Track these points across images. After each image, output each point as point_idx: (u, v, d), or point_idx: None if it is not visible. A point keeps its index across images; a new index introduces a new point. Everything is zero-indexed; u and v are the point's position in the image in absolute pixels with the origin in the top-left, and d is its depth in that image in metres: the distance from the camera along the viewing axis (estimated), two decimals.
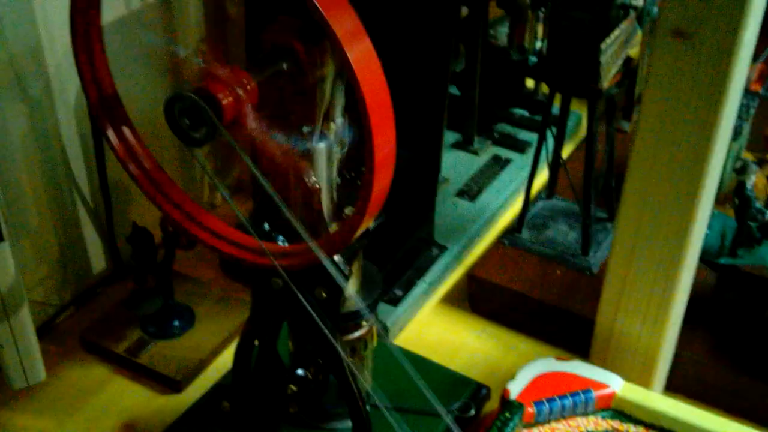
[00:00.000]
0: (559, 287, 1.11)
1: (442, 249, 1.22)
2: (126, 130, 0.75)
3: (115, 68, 0.74)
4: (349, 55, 0.61)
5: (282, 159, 0.73)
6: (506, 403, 0.92)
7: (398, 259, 1.17)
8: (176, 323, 1.10)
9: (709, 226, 1.03)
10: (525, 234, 1.19)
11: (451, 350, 1.11)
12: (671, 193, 0.86)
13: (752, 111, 1.14)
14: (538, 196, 1.25)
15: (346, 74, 0.64)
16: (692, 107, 0.81)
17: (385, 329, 1.11)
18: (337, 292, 0.79)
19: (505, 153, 1.41)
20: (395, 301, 1.13)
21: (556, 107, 1.13)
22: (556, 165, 1.21)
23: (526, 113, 1.46)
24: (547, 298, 1.10)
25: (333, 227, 0.79)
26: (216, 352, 1.09)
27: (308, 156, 0.76)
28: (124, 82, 0.79)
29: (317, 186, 0.77)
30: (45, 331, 1.11)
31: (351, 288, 0.85)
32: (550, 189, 1.24)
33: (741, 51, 0.77)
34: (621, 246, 0.93)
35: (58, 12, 0.99)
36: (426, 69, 1.10)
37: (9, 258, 0.80)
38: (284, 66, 0.71)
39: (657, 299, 0.92)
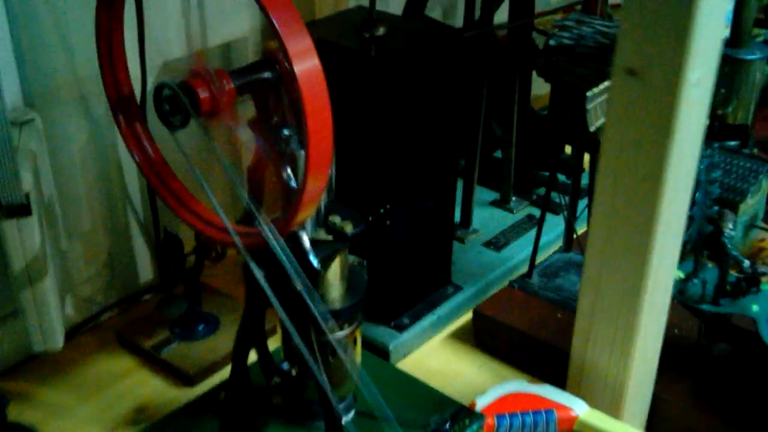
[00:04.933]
0: (557, 328, 1.16)
1: (458, 289, 1.29)
2: (137, 125, 0.89)
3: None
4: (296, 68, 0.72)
5: (262, 155, 0.85)
6: (469, 412, 0.97)
7: (410, 291, 1.25)
8: (200, 328, 1.21)
9: (696, 275, 1.07)
10: (535, 280, 1.25)
11: (448, 379, 1.17)
12: (630, 224, 0.92)
13: (761, 178, 1.18)
14: (559, 249, 1.32)
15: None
16: (645, 140, 0.87)
17: (386, 351, 1.18)
18: (310, 286, 0.88)
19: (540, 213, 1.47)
20: (401, 328, 1.21)
21: None
22: (571, 219, 1.27)
23: (565, 178, 1.53)
24: (542, 337, 1.15)
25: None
26: (229, 358, 1.19)
27: (288, 155, 0.86)
28: None
29: (293, 185, 0.87)
30: (87, 324, 1.24)
31: (327, 281, 0.93)
32: (567, 242, 1.30)
33: (687, 90, 0.84)
34: (589, 278, 0.98)
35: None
36: (442, 138, 1.21)
37: (36, 230, 0.94)
38: (268, 75, 0.83)
39: (622, 331, 0.97)
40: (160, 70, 1.20)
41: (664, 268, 0.95)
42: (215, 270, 1.30)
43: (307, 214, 0.82)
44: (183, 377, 1.16)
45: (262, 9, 0.71)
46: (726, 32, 1.25)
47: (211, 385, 1.15)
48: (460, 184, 1.38)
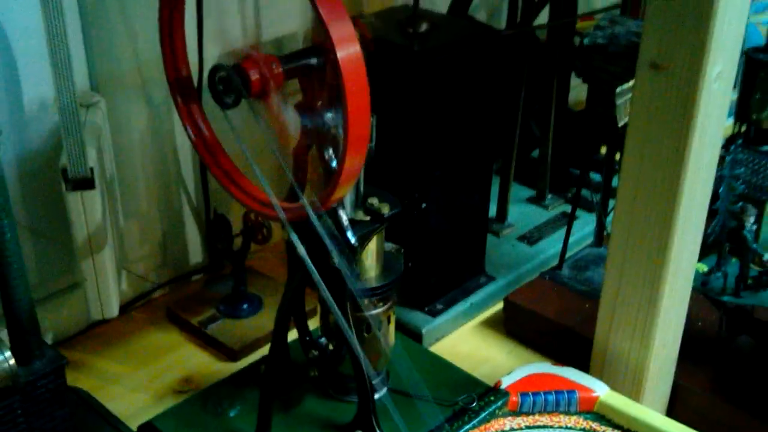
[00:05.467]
0: (584, 318, 1.21)
1: (490, 279, 1.34)
2: (194, 106, 0.96)
3: None
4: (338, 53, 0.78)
5: (307, 137, 0.91)
6: (494, 390, 1.03)
7: (445, 279, 1.30)
8: (245, 306, 1.28)
9: (719, 269, 1.11)
10: (565, 272, 1.30)
11: (477, 362, 1.22)
12: (651, 215, 0.96)
13: None
14: (590, 244, 1.37)
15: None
16: (666, 132, 0.92)
17: (419, 335, 1.24)
18: (347, 261, 0.95)
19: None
20: (435, 313, 1.26)
21: None
22: (601, 215, 1.32)
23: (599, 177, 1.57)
24: (569, 324, 1.20)
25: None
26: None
27: (330, 137, 0.93)
28: None
29: (334, 166, 0.94)
30: (139, 300, 1.32)
31: (364, 260, 0.99)
32: (597, 238, 1.35)
33: (708, 84, 0.88)
34: (612, 267, 1.03)
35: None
36: (479, 135, 1.27)
37: (98, 204, 1.01)
38: (314, 61, 0.90)
39: (643, 318, 1.01)
40: (217, 60, 1.28)
41: (684, 257, 1.00)
42: (261, 253, 1.37)
43: (344, 191, 0.88)
44: (227, 352, 1.23)
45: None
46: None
47: (252, 359, 1.21)
48: (496, 181, 1.43)
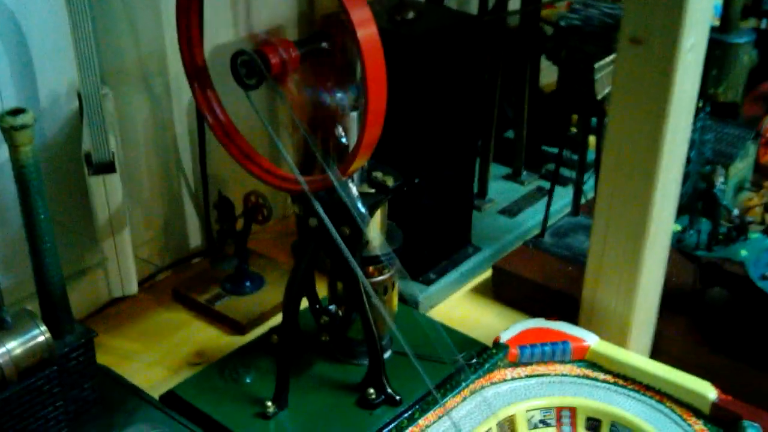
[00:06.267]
0: (568, 279, 1.30)
1: (477, 250, 1.44)
2: (209, 92, 1.03)
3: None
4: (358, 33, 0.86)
5: (319, 113, 0.99)
6: (495, 344, 1.12)
7: (436, 251, 1.39)
8: (248, 284, 1.35)
9: (692, 227, 1.21)
10: (547, 239, 1.40)
11: (471, 325, 1.31)
12: (633, 176, 1.06)
13: (748, 144, 1.32)
14: (568, 213, 1.47)
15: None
16: (646, 101, 1.01)
17: (416, 302, 1.33)
18: (358, 230, 1.02)
19: (548, 185, 1.61)
20: (429, 282, 1.35)
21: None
22: (579, 186, 1.42)
23: (571, 154, 1.67)
24: (555, 286, 1.29)
25: None
26: (277, 309, 1.32)
27: (340, 114, 1.00)
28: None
29: (345, 142, 1.01)
30: (145, 283, 1.38)
31: (370, 229, 1.07)
32: (574, 207, 1.45)
33: (683, 55, 0.98)
34: (597, 230, 1.12)
35: None
36: (463, 117, 1.36)
37: (118, 187, 1.08)
38: (325, 45, 0.98)
39: (627, 272, 1.11)
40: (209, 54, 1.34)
41: (663, 215, 1.09)
42: (257, 235, 1.44)
43: (364, 161, 0.97)
44: (235, 326, 1.30)
45: None
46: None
47: (258, 332, 1.29)
48: (476, 160, 1.52)
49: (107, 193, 1.07)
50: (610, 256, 1.12)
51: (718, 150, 1.30)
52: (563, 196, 1.56)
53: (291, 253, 1.47)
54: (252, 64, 0.92)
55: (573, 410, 1.07)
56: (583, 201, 1.44)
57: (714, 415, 1.02)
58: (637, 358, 1.10)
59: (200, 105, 1.02)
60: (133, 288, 1.15)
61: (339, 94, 1.00)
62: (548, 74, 1.71)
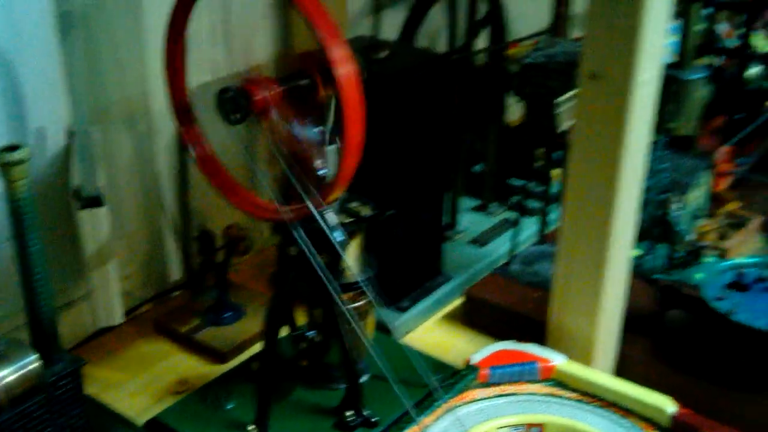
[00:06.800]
0: (535, 305, 1.36)
1: (448, 278, 1.49)
2: (194, 127, 1.08)
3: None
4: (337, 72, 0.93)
5: (298, 146, 1.05)
6: (466, 365, 1.17)
7: (409, 280, 1.45)
8: (228, 314, 1.40)
9: (650, 252, 1.28)
10: (515, 267, 1.46)
11: (444, 350, 1.36)
12: (594, 205, 1.13)
13: (701, 174, 1.40)
14: (534, 242, 1.53)
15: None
16: (605, 131, 1.08)
17: (390, 329, 1.38)
18: (336, 257, 1.08)
19: (515, 216, 1.68)
20: (403, 309, 1.41)
21: None
22: (544, 216, 1.49)
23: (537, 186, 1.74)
24: (523, 311, 1.35)
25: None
26: (256, 337, 1.35)
27: (318, 148, 1.06)
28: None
29: (324, 174, 1.07)
30: (128, 314, 1.42)
31: (347, 255, 1.12)
32: (541, 236, 1.51)
33: (638, 89, 1.05)
34: (561, 257, 1.19)
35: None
36: (433, 151, 1.43)
37: (106, 220, 1.13)
38: (305, 82, 1.04)
39: (590, 296, 1.18)
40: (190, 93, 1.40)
41: (623, 241, 1.16)
42: (236, 267, 1.49)
43: (342, 190, 1.02)
44: (217, 355, 1.34)
45: (310, 26, 0.91)
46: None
47: (239, 361, 1.33)
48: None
49: (95, 227, 1.12)
50: (574, 281, 1.19)
51: (675, 179, 1.37)
52: (530, 226, 1.63)
53: (269, 284, 1.53)
54: (237, 101, 0.98)
55: (542, 427, 1.12)
56: (548, 230, 1.51)
57: (673, 428, 1.08)
58: (601, 376, 1.16)
59: (186, 139, 1.08)
60: (119, 318, 1.19)
61: (316, 129, 1.06)
62: (514, 111, 1.78)
